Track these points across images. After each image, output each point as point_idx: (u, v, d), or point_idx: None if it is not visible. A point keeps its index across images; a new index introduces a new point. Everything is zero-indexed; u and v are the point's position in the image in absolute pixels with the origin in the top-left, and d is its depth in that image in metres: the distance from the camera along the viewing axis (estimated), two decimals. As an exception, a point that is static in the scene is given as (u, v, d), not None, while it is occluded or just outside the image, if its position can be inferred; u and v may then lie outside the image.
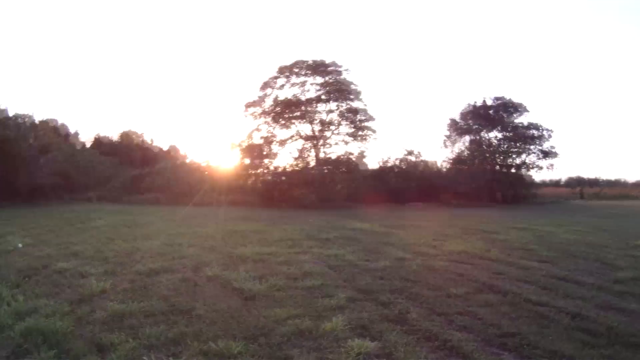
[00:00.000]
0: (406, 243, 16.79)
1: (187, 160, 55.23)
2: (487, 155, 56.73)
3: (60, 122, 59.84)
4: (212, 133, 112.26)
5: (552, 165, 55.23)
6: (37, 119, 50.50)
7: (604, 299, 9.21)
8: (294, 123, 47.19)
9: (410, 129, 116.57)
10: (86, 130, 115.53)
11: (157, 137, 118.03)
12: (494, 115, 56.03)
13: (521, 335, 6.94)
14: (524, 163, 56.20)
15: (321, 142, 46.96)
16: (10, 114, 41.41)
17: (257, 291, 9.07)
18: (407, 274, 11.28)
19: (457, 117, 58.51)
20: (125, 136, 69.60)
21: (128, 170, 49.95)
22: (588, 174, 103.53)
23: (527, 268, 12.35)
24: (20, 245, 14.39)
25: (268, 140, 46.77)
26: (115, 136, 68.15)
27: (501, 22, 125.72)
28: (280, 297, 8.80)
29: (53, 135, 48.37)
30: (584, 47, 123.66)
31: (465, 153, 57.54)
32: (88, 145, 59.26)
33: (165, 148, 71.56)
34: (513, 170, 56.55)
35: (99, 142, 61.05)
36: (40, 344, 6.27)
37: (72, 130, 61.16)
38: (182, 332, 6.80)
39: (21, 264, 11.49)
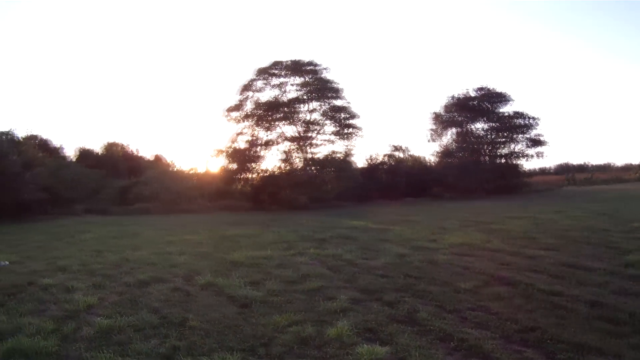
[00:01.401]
0: (404, 238, 16.38)
1: (174, 169, 54.60)
2: (475, 146, 56.32)
3: (44, 137, 58.97)
4: (196, 140, 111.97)
5: (540, 153, 54.82)
6: (20, 135, 49.94)
7: (618, 285, 8.92)
8: (277, 125, 46.74)
9: (396, 124, 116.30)
10: (70, 143, 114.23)
11: (142, 147, 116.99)
12: (478, 106, 55.73)
13: (541, 329, 6.57)
14: (512, 152, 55.83)
15: (306, 142, 46.47)
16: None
17: (253, 298, 8.64)
18: (410, 270, 10.89)
19: (441, 110, 58.04)
20: (110, 148, 68.97)
21: (115, 182, 49.52)
22: (576, 159, 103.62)
23: (533, 257, 12.02)
24: (5, 263, 13.87)
25: (252, 144, 46.25)
26: (99, 148, 67.58)
27: (480, 12, 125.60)
28: (279, 303, 8.37)
29: (37, 151, 47.84)
30: (563, 32, 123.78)
31: (453, 146, 57.10)
32: (73, 158, 58.68)
33: (150, 158, 71.12)
34: (502, 161, 56.12)
35: (83, 155, 60.39)
36: (23, 367, 5.89)
37: (56, 145, 60.37)
38: (174, 346, 6.38)
39: (5, 282, 10.99)
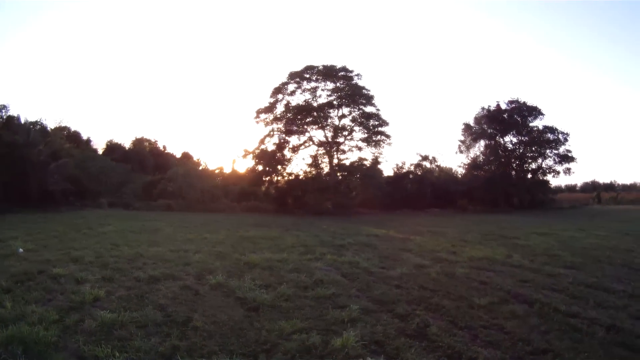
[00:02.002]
0: (424, 249, 16.13)
1: (200, 167, 54.76)
2: (503, 160, 56.03)
3: (73, 129, 59.46)
4: (225, 139, 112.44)
5: (569, 169, 54.50)
6: (51, 125, 50.38)
7: (637, 308, 8.63)
8: (306, 129, 46.90)
9: (425, 134, 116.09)
10: (101, 136, 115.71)
11: (171, 144, 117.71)
12: (509, 119, 55.46)
13: (554, 352, 6.32)
14: (540, 167, 55.56)
15: (335, 148, 46.47)
16: (23, 120, 41.14)
17: (262, 301, 8.44)
18: (426, 282, 10.61)
19: (471, 122, 58.08)
20: (138, 143, 69.49)
21: (140, 177, 49.73)
22: (603, 178, 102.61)
23: (553, 275, 11.72)
24: (20, 250, 13.90)
25: (281, 147, 46.34)
26: (127, 143, 68.05)
27: (516, 25, 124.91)
28: (287, 308, 8.16)
29: (64, 141, 48.14)
30: (595, 49, 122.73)
31: (481, 158, 56.93)
32: (100, 151, 59.14)
33: (178, 155, 71.43)
34: (529, 175, 55.89)
35: (111, 149, 60.97)
36: (20, 354, 5.90)
37: (85, 137, 60.83)
38: (174, 345, 6.24)
39: (16, 269, 11.01)
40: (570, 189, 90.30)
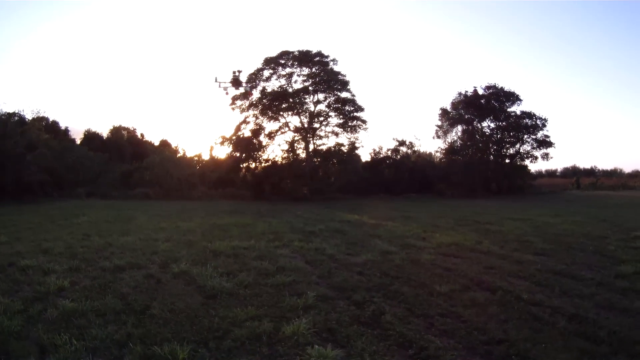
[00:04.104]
0: (394, 235, 16.31)
1: (178, 155, 54.58)
2: (481, 145, 56.20)
3: (52, 119, 59.10)
4: (203, 126, 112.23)
5: (547, 154, 54.75)
6: (29, 116, 50.04)
7: (604, 297, 8.44)
8: (282, 115, 47.01)
9: (403, 119, 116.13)
10: (79, 126, 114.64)
11: (149, 132, 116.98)
12: (486, 104, 55.45)
13: (509, 342, 6.19)
14: (518, 153, 55.79)
15: (311, 134, 46.67)
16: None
17: (221, 289, 8.54)
18: (389, 269, 10.68)
19: (449, 107, 57.91)
20: (116, 132, 68.99)
21: (119, 166, 49.58)
22: (584, 163, 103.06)
23: (521, 261, 11.71)
24: (-8, 243, 13.85)
25: (256, 133, 46.40)
26: (105, 132, 67.69)
27: (492, 9, 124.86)
28: (245, 296, 8.29)
29: (42, 132, 47.89)
30: (576, 34, 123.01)
31: (458, 143, 56.86)
32: (79, 141, 58.80)
33: (156, 143, 71.01)
34: (507, 161, 56.17)
35: (89, 138, 60.46)
36: (-17, 344, 5.97)
37: (63, 127, 60.47)
38: (129, 333, 6.36)
39: (-14, 262, 11.03)
40: (551, 174, 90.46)
